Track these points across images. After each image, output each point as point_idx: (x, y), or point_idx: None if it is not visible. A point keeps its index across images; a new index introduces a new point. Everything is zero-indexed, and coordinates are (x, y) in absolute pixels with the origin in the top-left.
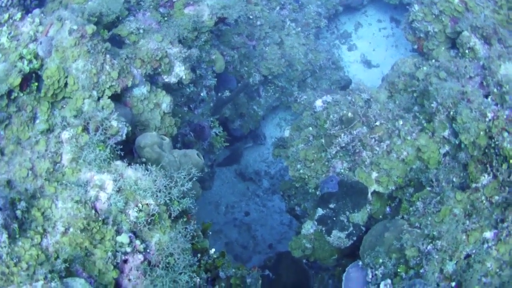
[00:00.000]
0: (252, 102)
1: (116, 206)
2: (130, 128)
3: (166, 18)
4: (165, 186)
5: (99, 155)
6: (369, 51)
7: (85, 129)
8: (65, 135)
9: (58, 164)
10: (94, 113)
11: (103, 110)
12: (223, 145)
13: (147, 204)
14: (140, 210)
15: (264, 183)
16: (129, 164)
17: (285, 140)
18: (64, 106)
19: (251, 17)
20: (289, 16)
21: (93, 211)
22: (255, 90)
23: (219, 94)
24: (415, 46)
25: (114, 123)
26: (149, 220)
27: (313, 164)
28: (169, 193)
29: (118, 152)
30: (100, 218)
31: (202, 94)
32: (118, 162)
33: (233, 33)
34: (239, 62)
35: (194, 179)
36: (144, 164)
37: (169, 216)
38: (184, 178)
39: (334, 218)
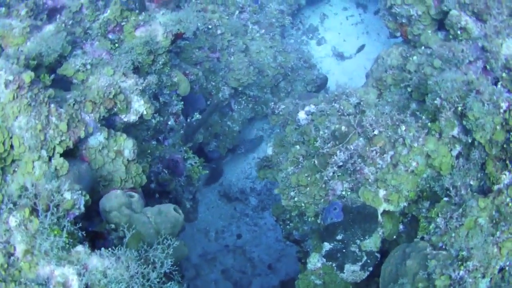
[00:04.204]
0: (225, 118)
1: None
2: (87, 197)
3: (117, 45)
4: (141, 273)
5: (55, 243)
6: (340, 43)
7: (34, 210)
8: (12, 221)
9: (12, 257)
10: (41, 187)
11: (52, 182)
12: (202, 173)
13: None
14: None
15: (252, 200)
16: (93, 248)
17: (269, 159)
18: (16, 169)
19: (210, 26)
20: (250, 19)
21: None
22: (227, 104)
23: (189, 119)
24: (398, 34)
25: (68, 195)
26: None
27: (308, 189)
28: (148, 281)
29: (79, 233)
30: None
31: (169, 123)
32: (80, 248)
33: (193, 48)
34: (204, 79)
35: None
36: (112, 247)
37: None
38: (163, 253)
39: (344, 250)
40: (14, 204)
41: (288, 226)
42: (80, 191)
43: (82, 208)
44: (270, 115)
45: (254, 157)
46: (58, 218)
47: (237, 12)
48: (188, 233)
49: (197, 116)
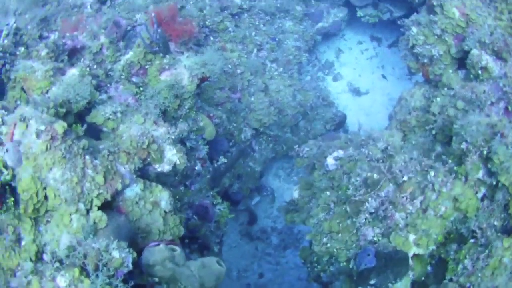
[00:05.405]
0: (246, 159)
1: None
2: (135, 255)
3: (141, 88)
4: None
5: None
6: (356, 78)
7: (83, 269)
8: (62, 282)
9: None
10: (88, 247)
11: (99, 241)
12: (229, 217)
13: None
14: None
15: (273, 239)
16: None
17: (296, 202)
18: (50, 219)
19: (230, 66)
20: (269, 56)
21: None
22: (248, 145)
23: (214, 163)
24: (420, 73)
25: (116, 254)
26: None
27: (340, 235)
28: None
29: None
30: None
31: (196, 168)
32: None
33: (214, 88)
34: (227, 120)
35: None
36: None
37: None
38: None
39: None
40: (60, 261)
41: (316, 269)
42: (128, 249)
43: (130, 266)
44: (295, 157)
45: None
46: (109, 277)
47: (255, 50)
48: None
49: (222, 160)
